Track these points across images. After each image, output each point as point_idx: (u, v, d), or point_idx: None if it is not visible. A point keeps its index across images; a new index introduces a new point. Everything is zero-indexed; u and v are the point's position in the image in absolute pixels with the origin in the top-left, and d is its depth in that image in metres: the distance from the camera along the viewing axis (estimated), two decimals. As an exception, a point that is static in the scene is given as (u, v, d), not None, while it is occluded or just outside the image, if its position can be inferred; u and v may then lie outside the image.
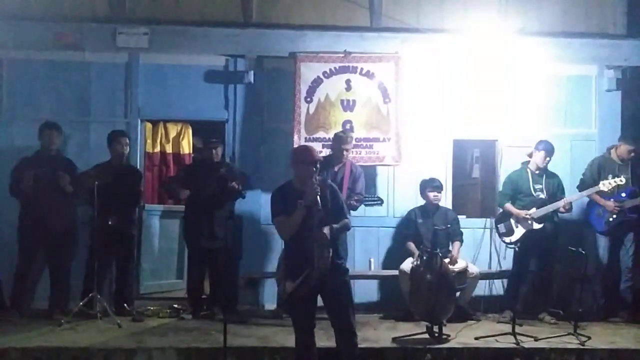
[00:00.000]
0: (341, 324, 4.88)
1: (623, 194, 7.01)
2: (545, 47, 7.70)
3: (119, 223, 6.88)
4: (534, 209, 6.98)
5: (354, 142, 7.20)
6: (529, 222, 6.97)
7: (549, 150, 7.09)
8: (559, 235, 7.18)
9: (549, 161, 7.13)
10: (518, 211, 7.04)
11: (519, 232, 7.06)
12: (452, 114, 7.83)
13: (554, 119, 7.92)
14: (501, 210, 7.24)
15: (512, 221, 7.11)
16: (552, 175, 7.22)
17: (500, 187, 7.47)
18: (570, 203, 6.99)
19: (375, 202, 7.30)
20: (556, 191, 7.11)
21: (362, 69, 7.63)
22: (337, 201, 4.97)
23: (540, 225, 6.98)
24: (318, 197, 4.75)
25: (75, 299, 6.77)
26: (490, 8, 7.76)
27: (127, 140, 7.16)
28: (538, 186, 7.09)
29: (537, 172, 7.13)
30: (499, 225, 7.22)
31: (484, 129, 7.88)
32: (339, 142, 6.98)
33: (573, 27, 7.89)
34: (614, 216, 7.02)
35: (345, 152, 6.95)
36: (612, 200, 7.02)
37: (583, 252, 6.64)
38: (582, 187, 7.22)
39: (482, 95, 7.80)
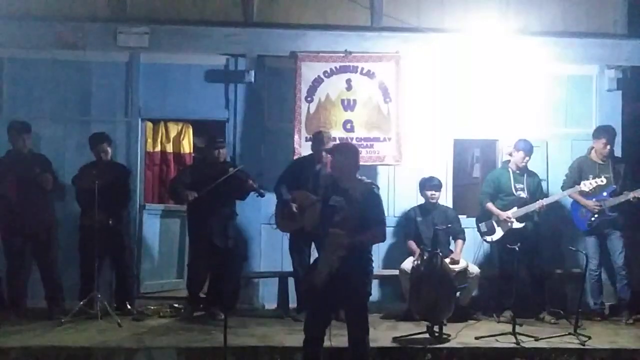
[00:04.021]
0: (349, 336, 4.86)
1: (604, 193, 7.01)
2: (546, 47, 7.70)
3: (107, 222, 6.82)
4: (514, 209, 7.03)
5: (331, 142, 7.14)
6: (509, 224, 7.01)
7: (528, 150, 7.12)
8: (542, 234, 7.23)
9: (528, 160, 7.16)
10: (499, 212, 7.08)
11: (500, 231, 7.10)
12: (453, 113, 7.83)
13: (554, 118, 7.92)
14: (482, 209, 7.26)
15: (493, 220, 7.14)
16: (532, 175, 7.26)
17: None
18: (545, 205, 7.00)
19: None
20: (536, 190, 7.15)
21: (362, 68, 7.63)
22: (373, 208, 4.82)
23: (521, 225, 7.00)
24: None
25: (74, 298, 6.77)
26: (491, 8, 7.75)
27: (105, 145, 7.05)
28: (519, 185, 7.14)
29: (517, 171, 7.17)
30: (480, 224, 7.24)
31: (484, 129, 7.89)
32: (318, 143, 6.96)
33: (574, 27, 7.89)
34: (596, 216, 7.03)
35: (324, 153, 6.88)
36: (593, 199, 7.03)
37: (584, 252, 6.67)
38: (564, 188, 7.24)
39: (483, 95, 7.81)
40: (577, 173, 7.17)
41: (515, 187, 7.12)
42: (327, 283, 4.69)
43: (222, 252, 6.85)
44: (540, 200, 7.01)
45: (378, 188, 4.99)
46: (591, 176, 6.98)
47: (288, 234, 7.07)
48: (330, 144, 6.96)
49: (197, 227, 6.98)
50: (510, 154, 7.24)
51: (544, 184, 7.45)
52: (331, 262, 4.68)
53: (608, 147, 7.11)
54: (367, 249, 4.92)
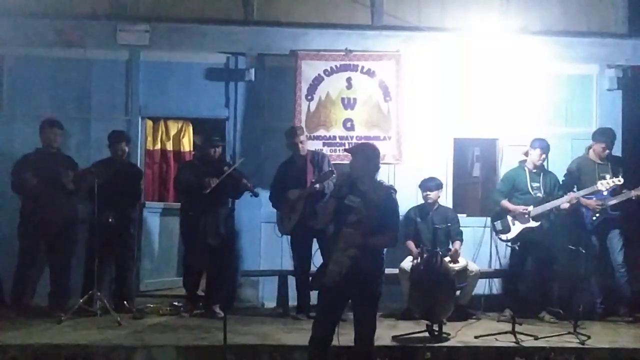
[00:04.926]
0: (355, 335, 4.81)
1: (605, 192, 7.00)
2: (546, 46, 7.70)
3: (118, 220, 6.87)
4: (531, 207, 7.00)
5: (305, 134, 7.15)
6: (526, 217, 6.98)
7: (545, 148, 7.11)
8: (556, 233, 7.19)
9: (544, 158, 7.15)
10: (515, 207, 7.04)
11: (516, 229, 7.06)
12: (453, 112, 7.83)
13: (554, 118, 7.92)
14: (498, 207, 7.22)
15: (509, 218, 7.11)
16: (548, 173, 7.23)
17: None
18: (578, 198, 6.96)
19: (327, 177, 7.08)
20: (553, 189, 7.12)
21: (363, 67, 7.64)
22: (389, 213, 4.81)
23: (537, 223, 6.99)
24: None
25: (75, 297, 6.78)
26: (491, 7, 7.76)
27: (124, 145, 7.08)
28: (535, 184, 7.11)
29: (534, 170, 7.14)
30: (495, 223, 7.22)
31: (484, 128, 7.89)
32: (290, 137, 6.95)
33: (574, 26, 7.89)
34: (597, 215, 7.03)
35: (300, 145, 6.90)
36: (594, 199, 7.03)
37: (583, 251, 6.66)
38: (564, 188, 7.19)
39: (483, 94, 7.81)
40: (577, 173, 7.17)
41: (531, 186, 7.08)
42: (338, 282, 4.67)
43: (216, 250, 6.86)
44: (570, 193, 6.95)
45: (396, 192, 4.96)
46: (608, 176, 6.96)
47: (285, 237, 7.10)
48: (303, 136, 6.97)
49: (191, 225, 6.97)
50: (526, 153, 7.21)
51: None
52: (342, 262, 4.66)
53: (607, 151, 7.12)
54: (379, 249, 4.90)
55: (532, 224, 6.98)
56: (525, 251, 6.93)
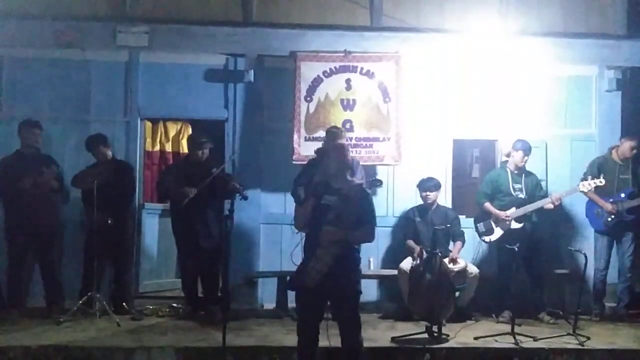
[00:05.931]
0: (342, 335, 4.83)
1: (622, 195, 7.03)
2: (546, 48, 7.69)
3: (112, 221, 6.83)
4: (513, 209, 7.02)
5: (347, 138, 7.12)
6: (507, 223, 7.01)
7: (527, 150, 7.13)
8: (541, 234, 7.23)
9: (527, 160, 7.17)
10: (497, 212, 7.07)
11: (499, 231, 7.09)
12: (452, 113, 7.84)
13: (554, 119, 7.92)
14: (481, 209, 7.25)
15: (492, 221, 7.13)
16: (530, 175, 7.25)
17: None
18: (560, 199, 6.99)
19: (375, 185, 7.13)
20: (535, 190, 7.14)
21: (362, 68, 7.63)
22: (364, 207, 4.86)
23: (520, 225, 7.00)
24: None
25: (73, 298, 6.77)
26: (490, 8, 7.76)
27: (102, 148, 7.07)
28: (517, 186, 7.13)
29: (516, 171, 7.17)
30: (478, 225, 7.24)
31: (483, 129, 7.89)
32: (333, 137, 6.90)
33: (573, 28, 7.89)
34: (612, 216, 7.03)
35: None
36: (610, 200, 7.03)
37: (583, 253, 6.66)
38: None
39: (482, 95, 7.81)
40: (597, 172, 7.14)
41: (513, 187, 7.12)
42: (318, 282, 4.71)
43: (209, 252, 6.84)
44: (553, 194, 6.99)
45: (368, 189, 5.06)
46: (590, 177, 6.98)
47: (301, 234, 7.04)
48: (345, 139, 6.93)
49: (182, 227, 6.95)
50: (509, 155, 7.24)
51: (543, 185, 7.43)
52: (326, 260, 4.70)
53: (634, 151, 7.13)
54: (356, 248, 4.99)
55: (514, 225, 7.01)
56: (513, 252, 6.90)
